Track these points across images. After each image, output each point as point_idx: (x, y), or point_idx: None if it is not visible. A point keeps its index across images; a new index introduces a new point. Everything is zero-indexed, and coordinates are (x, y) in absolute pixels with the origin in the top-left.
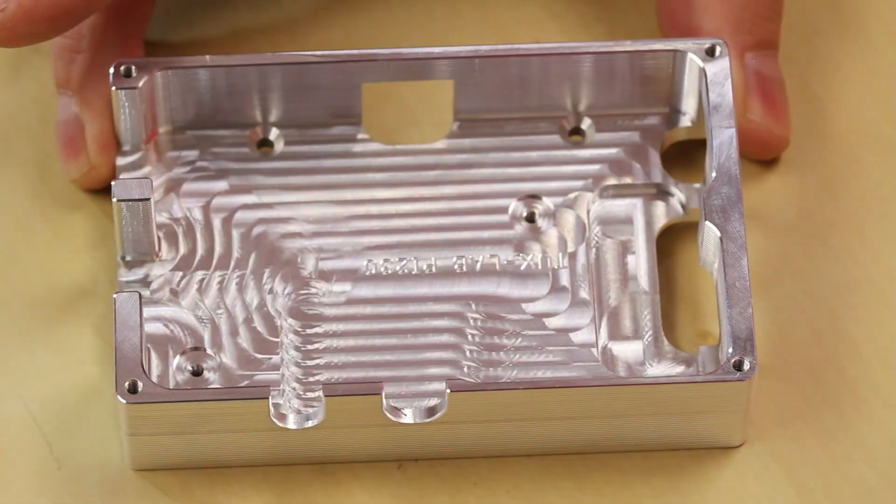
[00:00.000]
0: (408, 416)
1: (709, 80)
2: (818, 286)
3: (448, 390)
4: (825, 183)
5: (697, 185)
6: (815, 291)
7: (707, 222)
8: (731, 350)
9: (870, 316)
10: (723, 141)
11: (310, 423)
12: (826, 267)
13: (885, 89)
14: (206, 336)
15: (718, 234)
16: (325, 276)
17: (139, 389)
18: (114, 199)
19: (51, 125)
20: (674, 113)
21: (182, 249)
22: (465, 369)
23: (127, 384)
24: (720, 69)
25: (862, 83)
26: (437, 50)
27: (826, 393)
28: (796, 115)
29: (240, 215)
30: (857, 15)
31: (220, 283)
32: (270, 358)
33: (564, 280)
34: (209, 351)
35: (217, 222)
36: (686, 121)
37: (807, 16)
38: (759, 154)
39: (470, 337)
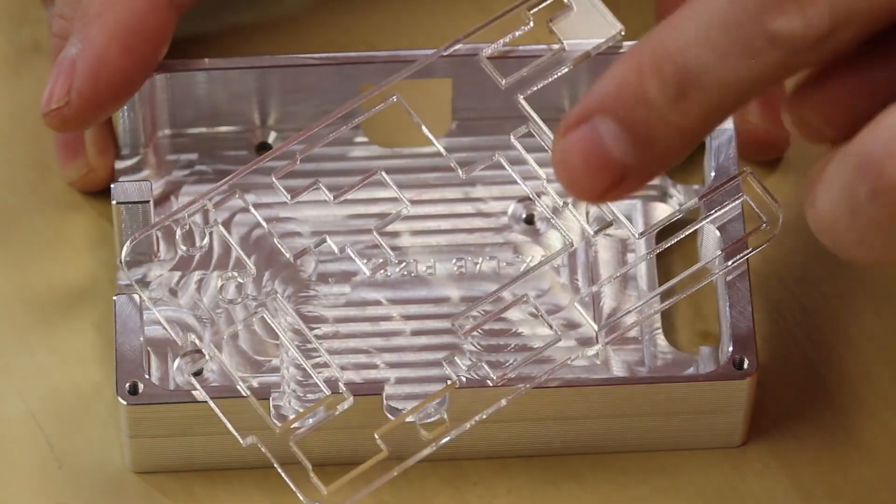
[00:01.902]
0: (408, 417)
1: None
2: (818, 286)
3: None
4: None
5: (696, 187)
6: (815, 291)
7: (706, 223)
8: (731, 350)
9: (870, 316)
10: (721, 142)
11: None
12: (826, 266)
13: None
14: (206, 338)
15: (718, 234)
16: (325, 278)
17: (140, 391)
18: (113, 202)
19: None
20: None
21: (180, 252)
22: (465, 370)
23: (127, 385)
24: None
25: None
26: (434, 51)
27: (826, 392)
28: None
29: (239, 218)
30: None
31: (220, 285)
32: (270, 360)
33: (564, 280)
34: (209, 353)
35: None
36: None
37: None
38: (760, 155)
39: (470, 337)
